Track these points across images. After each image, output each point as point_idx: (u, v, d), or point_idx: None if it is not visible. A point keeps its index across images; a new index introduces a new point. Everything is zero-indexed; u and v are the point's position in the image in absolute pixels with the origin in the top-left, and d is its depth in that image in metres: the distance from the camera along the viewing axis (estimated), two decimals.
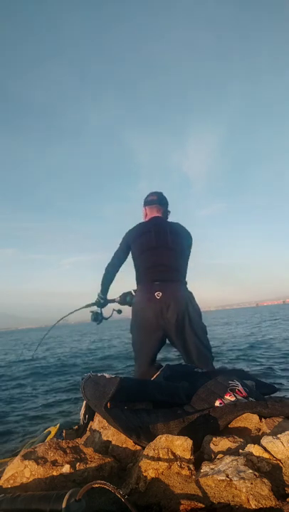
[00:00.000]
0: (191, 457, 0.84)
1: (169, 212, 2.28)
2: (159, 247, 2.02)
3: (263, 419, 1.08)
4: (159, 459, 0.82)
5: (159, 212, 2.22)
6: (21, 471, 0.90)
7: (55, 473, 0.88)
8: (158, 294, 1.92)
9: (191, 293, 2.04)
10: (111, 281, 2.26)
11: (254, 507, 0.65)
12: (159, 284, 1.94)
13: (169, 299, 1.90)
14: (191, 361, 1.91)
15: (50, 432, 2.14)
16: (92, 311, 2.36)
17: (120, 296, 2.28)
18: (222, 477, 0.72)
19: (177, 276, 2.00)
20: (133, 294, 2.21)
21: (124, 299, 2.25)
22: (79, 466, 0.90)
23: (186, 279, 2.09)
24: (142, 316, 1.99)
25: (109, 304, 2.34)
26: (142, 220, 2.29)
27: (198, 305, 2.03)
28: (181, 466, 0.81)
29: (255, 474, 0.71)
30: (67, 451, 0.97)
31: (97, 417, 1.23)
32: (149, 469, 0.81)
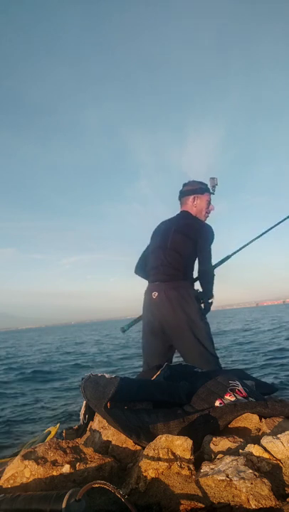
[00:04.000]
0: (191, 457, 0.84)
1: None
2: (159, 248, 2.05)
3: (263, 419, 1.08)
4: (159, 459, 0.82)
5: (181, 206, 2.23)
6: (21, 471, 0.90)
7: (55, 473, 0.88)
8: (154, 294, 1.95)
9: (193, 290, 2.02)
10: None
11: (254, 507, 0.65)
12: (158, 284, 1.97)
13: (163, 299, 1.92)
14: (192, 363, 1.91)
15: (50, 432, 2.14)
16: None
17: None
18: (222, 477, 0.72)
19: (177, 275, 1.99)
20: None
21: None
22: (79, 466, 0.90)
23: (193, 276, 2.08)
24: (144, 317, 2.03)
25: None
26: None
27: (199, 304, 2.00)
28: (181, 466, 0.81)
29: (255, 474, 0.71)
30: (67, 451, 0.97)
31: (97, 417, 1.23)
32: (149, 469, 0.81)
